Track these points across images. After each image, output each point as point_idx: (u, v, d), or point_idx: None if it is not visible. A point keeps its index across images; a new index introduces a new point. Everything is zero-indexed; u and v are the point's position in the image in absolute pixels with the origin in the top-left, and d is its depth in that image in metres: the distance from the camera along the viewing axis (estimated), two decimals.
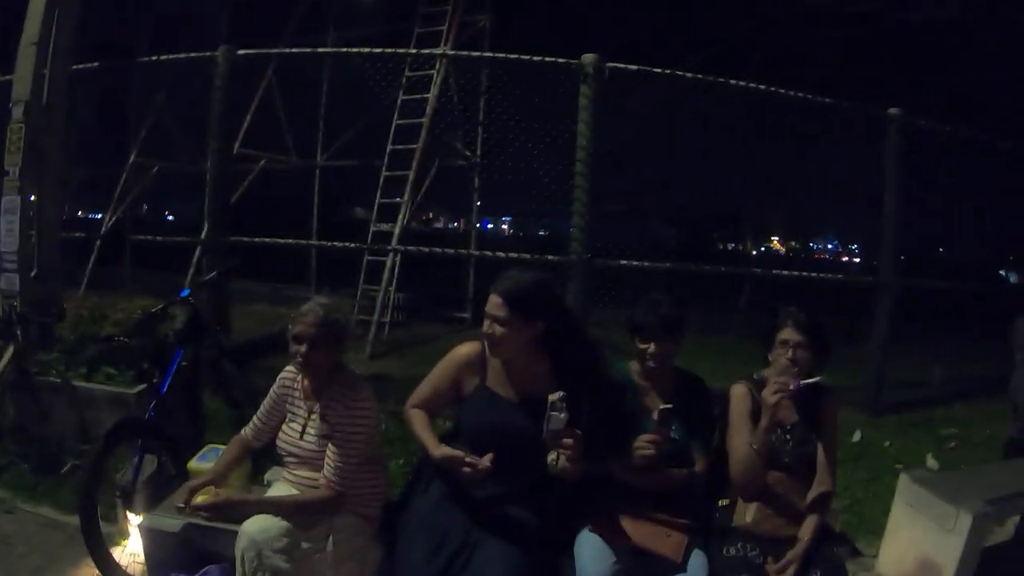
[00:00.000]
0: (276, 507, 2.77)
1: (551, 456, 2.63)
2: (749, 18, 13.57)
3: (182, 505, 2.81)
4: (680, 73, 6.57)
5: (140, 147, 11.65)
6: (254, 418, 3.15)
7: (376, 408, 2.99)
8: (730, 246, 30.80)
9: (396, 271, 9.39)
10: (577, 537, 2.92)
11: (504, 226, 35.41)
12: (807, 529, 2.98)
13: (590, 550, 2.84)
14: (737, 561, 2.90)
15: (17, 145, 5.55)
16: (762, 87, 6.85)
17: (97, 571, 3.63)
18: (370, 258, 9.82)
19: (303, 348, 2.84)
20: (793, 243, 36.56)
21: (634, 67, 6.22)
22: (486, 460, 2.61)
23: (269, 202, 13.94)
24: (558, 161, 6.68)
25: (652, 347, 3.03)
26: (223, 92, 6.55)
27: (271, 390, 3.12)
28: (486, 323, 2.80)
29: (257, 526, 2.69)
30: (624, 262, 6.58)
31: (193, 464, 3.21)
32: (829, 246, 38.98)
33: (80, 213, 18.15)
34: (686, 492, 3.09)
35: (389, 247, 9.03)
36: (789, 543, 2.95)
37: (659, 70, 6.40)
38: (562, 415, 2.58)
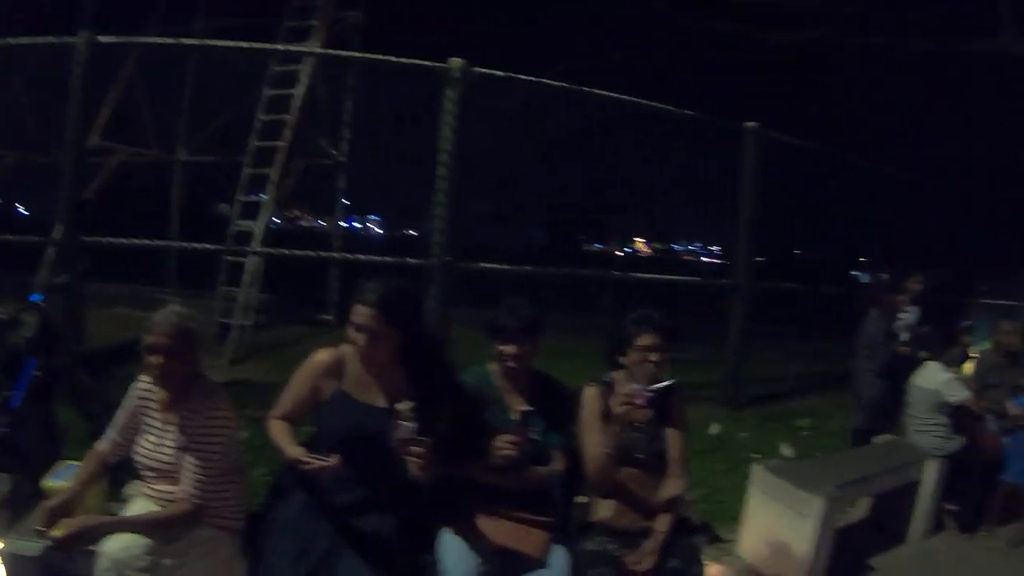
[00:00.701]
0: (134, 526, 2.66)
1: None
2: (619, 32, 13.92)
3: (42, 529, 2.68)
4: (546, 81, 6.68)
5: None
6: (108, 431, 2.99)
7: (234, 417, 2.91)
8: (596, 247, 31.58)
9: (258, 272, 9.08)
10: (439, 540, 2.95)
11: (372, 225, 35.05)
12: (662, 521, 3.10)
13: (453, 552, 2.88)
14: (596, 555, 3.00)
15: None
16: (625, 97, 7.05)
17: None
18: (231, 259, 9.35)
19: (158, 359, 2.73)
20: (657, 245, 37.56)
21: (500, 73, 6.31)
22: (333, 459, 2.60)
23: (128, 198, 13.31)
24: (425, 162, 6.68)
25: (511, 349, 3.08)
26: (81, 80, 6.25)
27: (125, 401, 2.98)
28: (353, 333, 2.81)
29: (117, 545, 2.59)
30: (484, 265, 6.66)
31: (48, 482, 3.01)
32: (691, 248, 40.25)
33: None
34: (546, 491, 3.17)
35: (250, 249, 8.73)
36: (646, 536, 3.07)
37: (524, 77, 6.49)
38: (410, 424, 2.60)
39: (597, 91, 6.99)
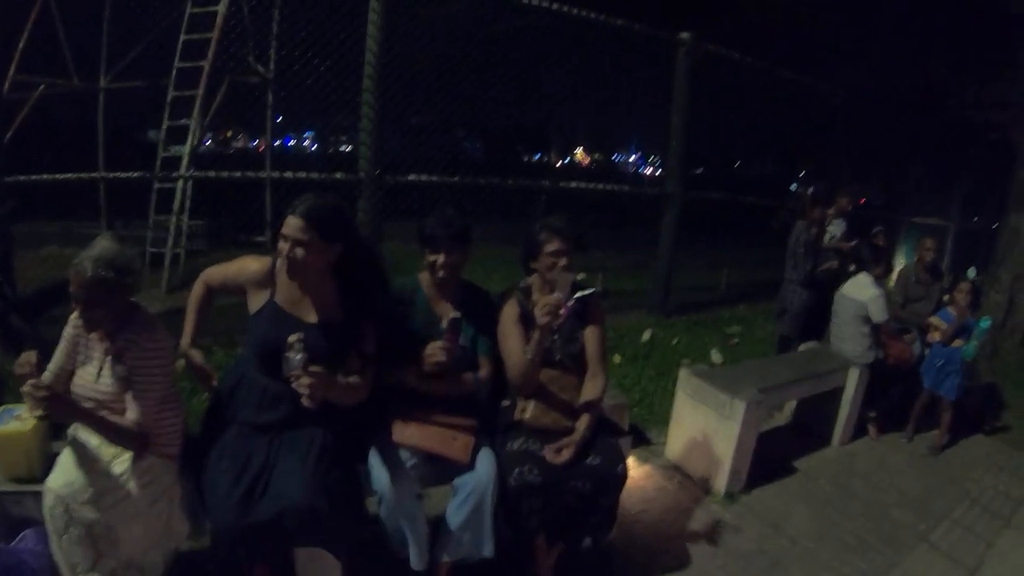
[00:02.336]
0: (93, 419, 2.65)
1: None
2: None
3: (32, 365, 2.55)
4: None
5: None
6: (49, 364, 2.92)
7: (172, 346, 2.89)
8: (536, 158, 31.47)
9: (188, 198, 8.86)
10: (371, 448, 3.05)
11: (307, 142, 34.31)
12: (583, 421, 3.23)
13: (384, 459, 2.99)
14: (520, 454, 3.10)
15: None
16: (555, 6, 6.94)
17: None
18: (160, 186, 9.15)
19: (78, 308, 2.69)
20: (596, 155, 37.56)
21: None
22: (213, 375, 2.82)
23: (50, 132, 12.81)
24: (352, 76, 6.53)
25: (441, 258, 3.12)
26: None
27: (64, 332, 2.92)
28: (285, 246, 2.78)
29: (60, 481, 2.63)
30: (412, 178, 6.62)
31: None
32: (631, 159, 40.31)
33: None
34: (473, 396, 3.28)
35: (177, 174, 8.47)
36: (567, 434, 3.20)
37: None
38: (297, 356, 2.61)
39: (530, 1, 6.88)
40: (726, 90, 9.78)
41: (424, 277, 3.26)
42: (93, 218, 11.21)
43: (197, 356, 3.01)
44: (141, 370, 2.72)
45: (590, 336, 3.36)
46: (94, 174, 8.62)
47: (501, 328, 3.28)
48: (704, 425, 4.61)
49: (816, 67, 10.83)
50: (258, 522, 2.57)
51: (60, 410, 2.55)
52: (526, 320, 3.24)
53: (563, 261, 3.23)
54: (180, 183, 8.54)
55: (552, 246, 3.24)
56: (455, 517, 3.00)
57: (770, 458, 4.84)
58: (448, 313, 3.08)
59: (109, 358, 2.76)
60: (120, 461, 2.74)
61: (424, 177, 6.68)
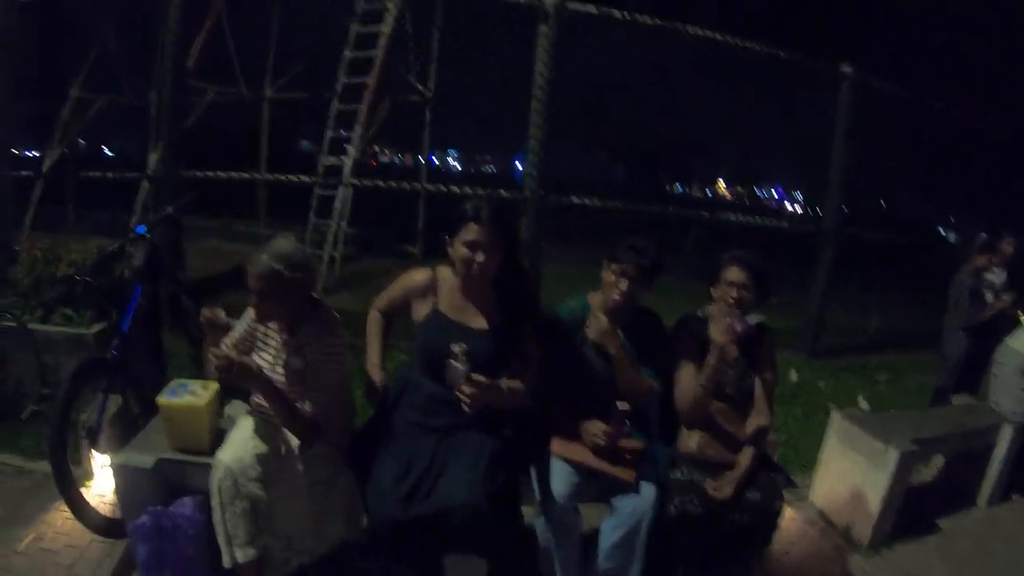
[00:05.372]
0: (278, 396, 2.80)
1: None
2: None
3: (206, 320, 2.84)
4: (640, 17, 6.56)
5: (83, 80, 11.23)
6: (225, 339, 3.04)
7: (346, 344, 3.02)
8: (677, 188, 31.21)
9: (347, 205, 9.25)
10: (534, 459, 3.12)
11: (450, 160, 35.14)
12: (746, 455, 3.21)
13: (545, 470, 3.04)
14: (683, 484, 3.13)
15: None
16: (719, 36, 6.89)
17: (64, 516, 3.64)
18: (321, 192, 9.68)
19: (254, 299, 2.83)
20: (739, 188, 36.91)
21: (594, 9, 6.24)
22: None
23: (216, 135, 13.59)
24: (512, 98, 6.65)
25: (624, 284, 3.12)
26: (176, 23, 6.38)
27: (243, 316, 3.08)
28: (469, 251, 2.85)
29: (232, 456, 2.77)
30: (576, 199, 6.68)
31: (162, 399, 3.15)
32: (774, 193, 39.43)
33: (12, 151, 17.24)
34: (640, 419, 3.27)
35: (343, 181, 8.90)
36: (730, 468, 3.20)
37: (618, 13, 6.41)
38: (460, 366, 2.72)
39: (691, 28, 6.84)
40: (881, 124, 9.45)
41: (595, 298, 3.29)
42: (250, 217, 11.83)
43: (379, 378, 3.08)
44: (319, 366, 2.85)
45: (760, 373, 3.34)
46: (265, 175, 9.14)
47: (677, 355, 3.29)
48: (853, 472, 4.44)
49: (983, 99, 10.32)
50: (420, 517, 2.65)
51: (242, 376, 2.68)
52: (700, 349, 3.23)
53: (737, 292, 3.23)
54: (341, 190, 8.93)
55: (731, 275, 3.25)
56: (610, 536, 3.02)
57: (913, 513, 4.60)
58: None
59: (288, 350, 2.90)
60: (291, 444, 2.88)
61: (587, 200, 6.73)
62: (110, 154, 25.51)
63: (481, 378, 2.73)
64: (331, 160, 9.65)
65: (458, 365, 2.72)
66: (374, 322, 3.22)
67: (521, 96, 6.16)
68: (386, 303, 3.21)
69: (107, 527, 3.52)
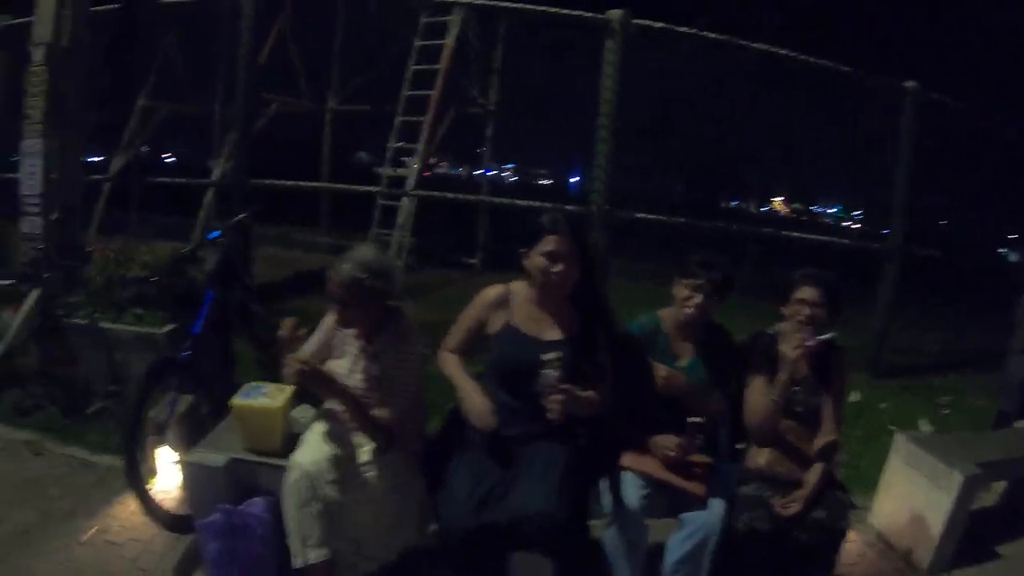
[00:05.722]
0: (354, 402, 2.87)
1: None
2: None
3: (286, 334, 2.83)
4: (704, 34, 6.56)
5: (148, 90, 11.57)
6: (304, 346, 3.06)
7: (421, 352, 3.09)
8: (732, 204, 30.88)
9: (410, 216, 9.36)
10: (604, 471, 3.13)
11: (506, 173, 35.26)
12: (814, 473, 3.20)
13: (616, 482, 3.06)
14: (751, 500, 3.13)
15: (39, 88, 5.48)
16: (783, 51, 6.87)
17: (128, 510, 3.77)
18: (384, 203, 9.83)
19: (336, 307, 2.92)
20: (795, 204, 36.49)
21: (659, 24, 6.28)
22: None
23: (278, 145, 13.88)
24: (574, 112, 6.69)
25: (698, 299, 3.16)
26: (250, 33, 6.56)
27: (321, 323, 3.16)
28: (547, 262, 2.92)
29: (309, 458, 2.82)
30: (641, 215, 6.73)
31: (237, 400, 3.22)
32: (831, 210, 38.88)
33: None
34: (711, 435, 3.29)
35: (407, 192, 9.04)
36: (797, 485, 3.19)
37: (683, 29, 6.43)
38: (553, 373, 2.77)
39: (755, 45, 6.82)
40: (941, 140, 9.25)
41: (666, 314, 3.33)
42: (308, 225, 12.00)
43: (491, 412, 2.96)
44: (395, 373, 2.91)
45: (831, 392, 3.34)
46: (335, 185, 9.31)
47: (749, 372, 3.31)
48: (915, 495, 4.36)
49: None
50: (492, 525, 2.68)
51: (318, 383, 2.77)
52: (771, 366, 3.26)
53: (808, 310, 3.25)
54: (405, 201, 9.07)
55: (803, 293, 3.27)
56: (677, 550, 3.01)
57: (974, 538, 4.49)
58: (687, 351, 3.20)
59: (365, 357, 2.95)
60: (365, 449, 2.94)
61: (652, 215, 6.78)
62: (169, 161, 25.96)
63: (568, 387, 2.78)
64: (394, 171, 9.79)
65: (550, 373, 2.77)
66: (452, 364, 3.12)
67: (579, 111, 6.22)
68: (457, 341, 3.19)
69: (172, 522, 3.61)
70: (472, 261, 11.76)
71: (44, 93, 5.47)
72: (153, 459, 3.83)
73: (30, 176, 5.52)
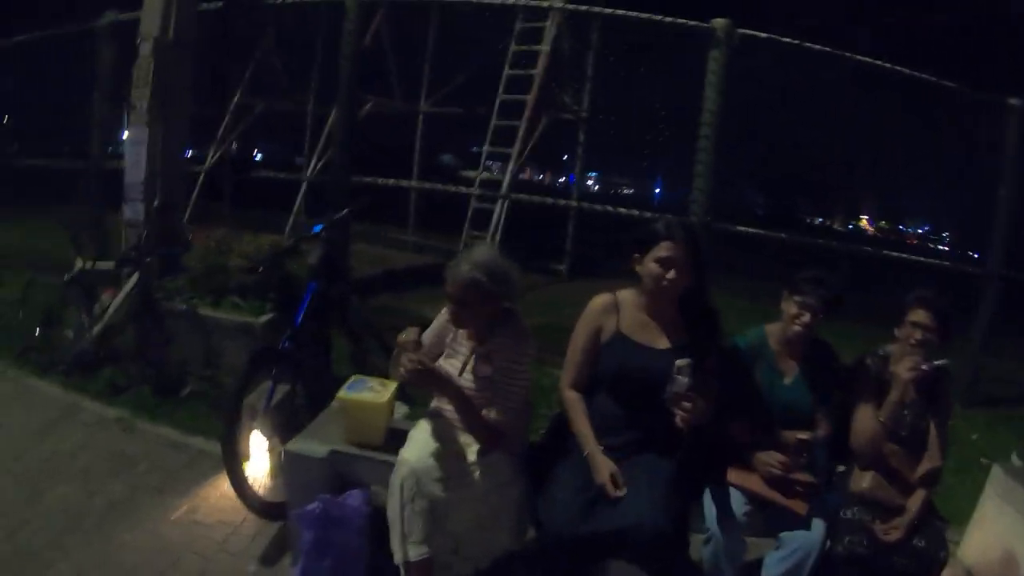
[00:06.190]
0: (464, 402, 2.90)
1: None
2: None
3: (408, 340, 2.91)
4: (809, 45, 6.44)
5: (245, 87, 11.89)
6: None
7: (532, 356, 3.08)
8: (817, 221, 30.30)
9: (503, 218, 9.54)
10: (706, 486, 3.13)
11: (589, 182, 35.17)
12: (916, 500, 3.17)
13: (717, 498, 3.07)
14: (853, 524, 3.08)
15: (145, 79, 5.72)
16: (887, 65, 6.70)
17: (218, 492, 3.89)
18: (477, 205, 9.96)
19: (451, 307, 2.94)
20: (882, 223, 35.58)
21: (763, 34, 6.23)
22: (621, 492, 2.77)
23: (371, 145, 14.09)
24: (670, 121, 6.64)
25: (807, 318, 3.14)
26: (353, 35, 6.63)
27: (436, 319, 3.18)
28: (660, 268, 2.92)
29: (416, 455, 2.85)
30: (741, 228, 6.70)
31: (342, 393, 3.26)
32: (920, 231, 37.82)
33: None
34: (812, 454, 3.23)
35: (503, 195, 9.13)
36: (898, 512, 3.14)
37: (787, 39, 6.35)
38: (685, 379, 2.75)
39: (861, 58, 6.70)
40: None
41: (772, 329, 3.32)
42: (394, 223, 12.17)
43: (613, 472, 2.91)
44: (506, 375, 2.93)
45: (937, 417, 3.28)
46: (434, 185, 9.47)
47: (858, 393, 3.27)
48: (1008, 530, 4.16)
49: None
50: (598, 534, 2.68)
51: (431, 382, 2.82)
52: (879, 388, 3.22)
53: (919, 335, 3.20)
54: (499, 204, 9.23)
55: (914, 316, 3.21)
56: (774, 569, 2.99)
57: None
58: (791, 367, 3.20)
59: (477, 357, 2.98)
60: (471, 449, 2.95)
61: (751, 228, 6.78)
62: (259, 157, 26.50)
63: (697, 397, 2.78)
64: (491, 174, 9.90)
65: (683, 379, 2.76)
66: (577, 411, 3.07)
67: (667, 120, 6.17)
68: (575, 370, 3.15)
69: (264, 508, 3.70)
70: (559, 267, 11.75)
71: (150, 84, 5.71)
72: (247, 444, 3.91)
73: (134, 164, 5.79)
